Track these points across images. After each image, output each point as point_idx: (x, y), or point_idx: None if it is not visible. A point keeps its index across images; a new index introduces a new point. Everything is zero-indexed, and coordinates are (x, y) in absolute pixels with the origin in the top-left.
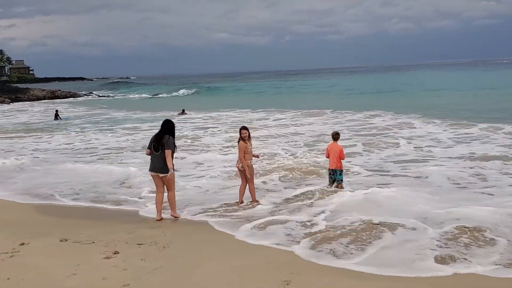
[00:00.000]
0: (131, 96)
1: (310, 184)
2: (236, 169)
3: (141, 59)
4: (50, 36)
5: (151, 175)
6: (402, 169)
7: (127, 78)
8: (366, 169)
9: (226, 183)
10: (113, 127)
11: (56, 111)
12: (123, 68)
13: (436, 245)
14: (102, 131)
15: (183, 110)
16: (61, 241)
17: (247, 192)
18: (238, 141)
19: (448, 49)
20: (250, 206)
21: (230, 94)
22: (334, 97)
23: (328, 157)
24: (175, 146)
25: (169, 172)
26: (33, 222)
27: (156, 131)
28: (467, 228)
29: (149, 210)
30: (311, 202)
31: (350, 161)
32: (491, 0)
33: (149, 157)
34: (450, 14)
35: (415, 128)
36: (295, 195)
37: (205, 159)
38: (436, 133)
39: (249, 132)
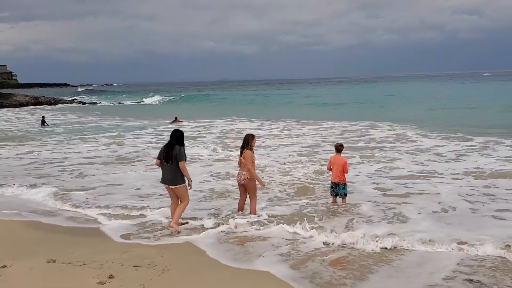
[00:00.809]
0: (94, 103)
1: (313, 197)
2: (236, 182)
3: (127, 66)
4: (34, 42)
5: (165, 187)
6: (410, 186)
7: (111, 84)
8: (371, 185)
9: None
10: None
11: (43, 117)
12: (108, 74)
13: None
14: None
15: (176, 118)
16: (48, 262)
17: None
18: (244, 150)
19: (432, 61)
20: (251, 220)
21: (205, 103)
22: (326, 107)
23: (330, 169)
24: (185, 156)
25: (182, 184)
26: (16, 239)
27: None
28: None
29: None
30: (320, 218)
31: (357, 175)
32: (473, 14)
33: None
34: (434, 26)
35: (414, 141)
36: (298, 210)
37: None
38: (436, 146)
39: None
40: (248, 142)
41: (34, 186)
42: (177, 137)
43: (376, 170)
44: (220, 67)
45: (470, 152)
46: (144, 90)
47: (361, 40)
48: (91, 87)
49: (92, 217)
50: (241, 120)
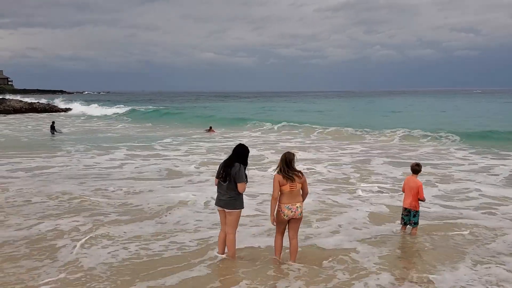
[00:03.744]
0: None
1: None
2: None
3: (125, 75)
4: (33, 49)
5: (218, 210)
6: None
7: (107, 92)
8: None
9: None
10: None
11: (53, 123)
12: (107, 83)
13: None
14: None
15: (211, 127)
16: None
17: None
18: (301, 174)
19: (428, 77)
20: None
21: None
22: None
23: (404, 191)
24: (246, 176)
25: (239, 209)
26: None
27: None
28: None
29: None
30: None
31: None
32: (470, 32)
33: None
34: (432, 43)
35: (455, 156)
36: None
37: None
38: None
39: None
40: (291, 161)
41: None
42: (239, 154)
43: (450, 191)
44: (219, 78)
45: None
46: (128, 100)
47: (358, 54)
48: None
49: None
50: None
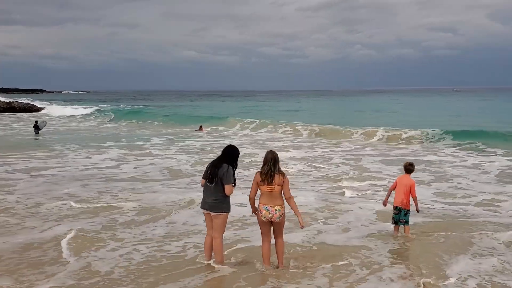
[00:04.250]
0: None
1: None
2: (257, 217)
3: (107, 74)
4: (12, 47)
5: (203, 213)
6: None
7: (88, 91)
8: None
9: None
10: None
11: (36, 122)
12: (89, 82)
13: None
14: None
15: (201, 126)
16: None
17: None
18: (283, 175)
19: (408, 76)
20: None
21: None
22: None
23: (393, 189)
24: (235, 179)
25: (225, 212)
26: None
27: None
28: None
29: None
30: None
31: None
32: (448, 31)
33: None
34: (411, 43)
35: (445, 153)
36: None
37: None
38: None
39: None
40: (276, 161)
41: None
42: (228, 154)
43: (447, 188)
44: (201, 76)
45: None
46: (108, 99)
47: (339, 54)
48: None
49: None
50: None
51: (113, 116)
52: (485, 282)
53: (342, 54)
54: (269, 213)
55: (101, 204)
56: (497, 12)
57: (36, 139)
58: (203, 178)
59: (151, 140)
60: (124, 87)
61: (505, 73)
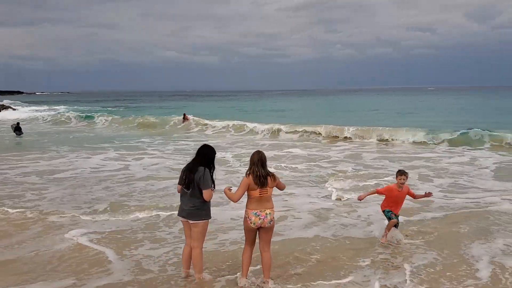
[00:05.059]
0: None
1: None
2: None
3: (87, 74)
4: None
5: (181, 221)
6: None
7: (68, 92)
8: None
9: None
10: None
11: (17, 123)
12: (68, 83)
13: None
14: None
15: (184, 114)
16: None
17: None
18: (275, 177)
19: (388, 76)
20: None
21: None
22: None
23: (380, 194)
24: (213, 181)
25: (205, 219)
26: None
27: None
28: None
29: None
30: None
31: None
32: (426, 31)
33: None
34: (390, 42)
35: (442, 150)
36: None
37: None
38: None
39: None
40: (265, 162)
41: None
42: (204, 155)
43: (451, 183)
44: (182, 77)
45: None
46: (82, 100)
47: (320, 54)
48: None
49: None
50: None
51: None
52: None
53: (323, 54)
54: (259, 219)
55: (129, 205)
56: (473, 11)
57: (19, 141)
58: (178, 183)
59: (144, 140)
60: (104, 88)
61: (481, 72)
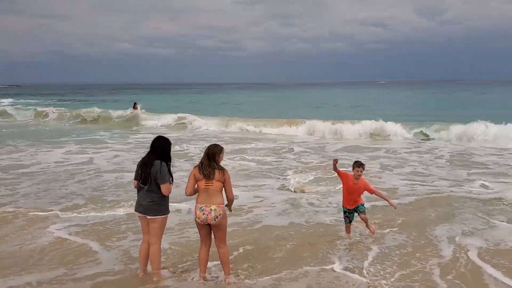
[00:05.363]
0: None
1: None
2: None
3: (36, 67)
4: None
5: (138, 216)
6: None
7: (16, 86)
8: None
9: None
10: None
11: None
12: (17, 75)
13: None
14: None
15: (135, 103)
16: None
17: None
18: (223, 172)
19: (342, 70)
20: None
21: None
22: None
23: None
24: (171, 175)
25: (163, 215)
26: None
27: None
28: None
29: None
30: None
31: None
32: (378, 26)
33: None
34: (344, 37)
35: (398, 140)
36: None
37: None
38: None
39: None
40: (215, 155)
41: None
42: (158, 148)
43: (411, 172)
44: (136, 69)
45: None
46: (31, 93)
47: (276, 47)
48: None
49: None
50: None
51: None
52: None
53: (279, 48)
54: (203, 214)
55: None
56: (423, 7)
57: None
58: (134, 179)
59: (102, 134)
60: (55, 81)
61: (429, 66)
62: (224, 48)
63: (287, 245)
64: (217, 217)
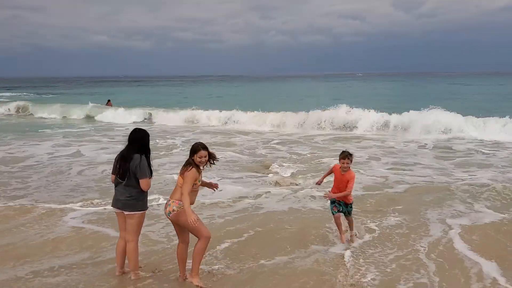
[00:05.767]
0: None
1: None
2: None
3: (8, 60)
4: None
5: (115, 212)
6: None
7: None
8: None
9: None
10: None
11: None
12: None
13: None
14: None
15: (109, 100)
16: None
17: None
18: (187, 169)
19: (320, 62)
20: None
21: None
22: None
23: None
24: (151, 170)
25: (141, 211)
26: None
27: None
28: None
29: None
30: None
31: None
32: (356, 19)
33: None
34: (322, 30)
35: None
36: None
37: None
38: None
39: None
40: (193, 150)
41: None
42: (137, 141)
43: (403, 163)
44: (114, 62)
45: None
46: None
47: (255, 40)
48: None
49: None
50: None
51: None
52: None
53: (258, 40)
54: (165, 208)
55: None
56: (400, 1)
57: None
58: (112, 173)
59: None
60: (30, 74)
61: (405, 59)
62: (204, 40)
63: (291, 227)
64: (170, 212)
